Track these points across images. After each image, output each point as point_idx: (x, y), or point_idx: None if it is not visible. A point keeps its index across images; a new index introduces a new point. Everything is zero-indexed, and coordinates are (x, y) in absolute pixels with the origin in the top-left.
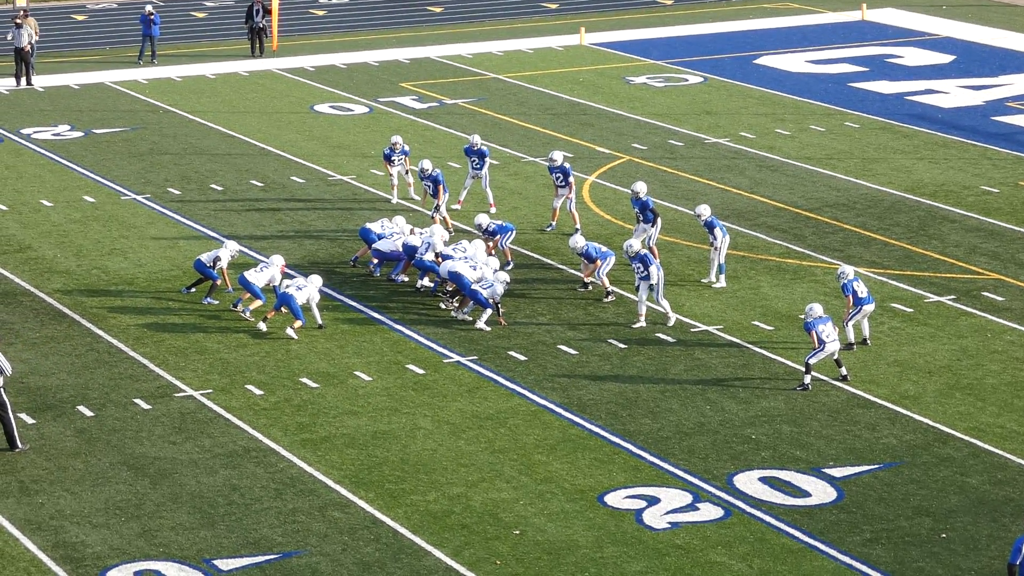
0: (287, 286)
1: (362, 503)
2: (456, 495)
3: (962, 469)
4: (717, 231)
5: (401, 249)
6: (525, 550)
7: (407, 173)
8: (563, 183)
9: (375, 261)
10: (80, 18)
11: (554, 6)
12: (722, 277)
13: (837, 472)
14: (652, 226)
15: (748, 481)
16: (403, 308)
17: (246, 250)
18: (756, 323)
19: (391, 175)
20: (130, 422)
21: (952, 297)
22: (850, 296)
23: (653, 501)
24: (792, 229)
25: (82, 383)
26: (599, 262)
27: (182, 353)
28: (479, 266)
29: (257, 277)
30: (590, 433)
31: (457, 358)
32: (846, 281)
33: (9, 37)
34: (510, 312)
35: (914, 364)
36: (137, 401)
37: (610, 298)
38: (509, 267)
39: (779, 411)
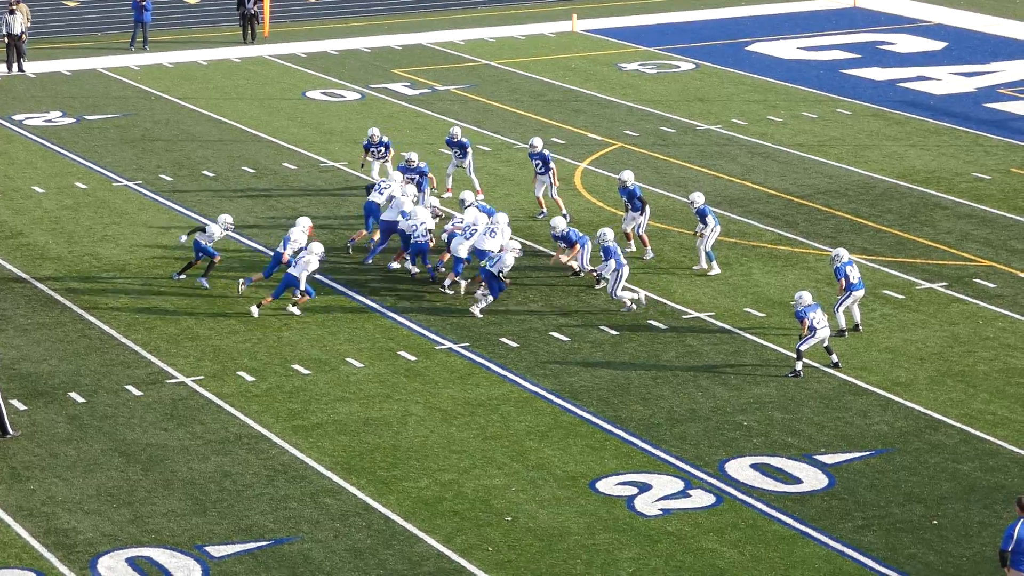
0: (292, 266)
1: (354, 490)
2: (448, 482)
3: (954, 456)
4: (709, 219)
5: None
6: (517, 536)
7: (389, 168)
8: (543, 170)
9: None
10: (72, 4)
11: None
12: (714, 264)
13: (829, 459)
14: (640, 214)
15: (740, 468)
16: (395, 295)
17: (236, 236)
18: (748, 310)
19: (371, 164)
20: (122, 408)
21: (944, 284)
22: (842, 280)
23: (645, 488)
24: (784, 216)
25: (74, 369)
26: (578, 247)
27: (174, 340)
28: (496, 232)
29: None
30: (582, 420)
31: (449, 345)
32: (839, 264)
33: (3, 30)
34: (502, 299)
35: (906, 351)
36: (129, 387)
37: (601, 284)
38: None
39: (771, 398)
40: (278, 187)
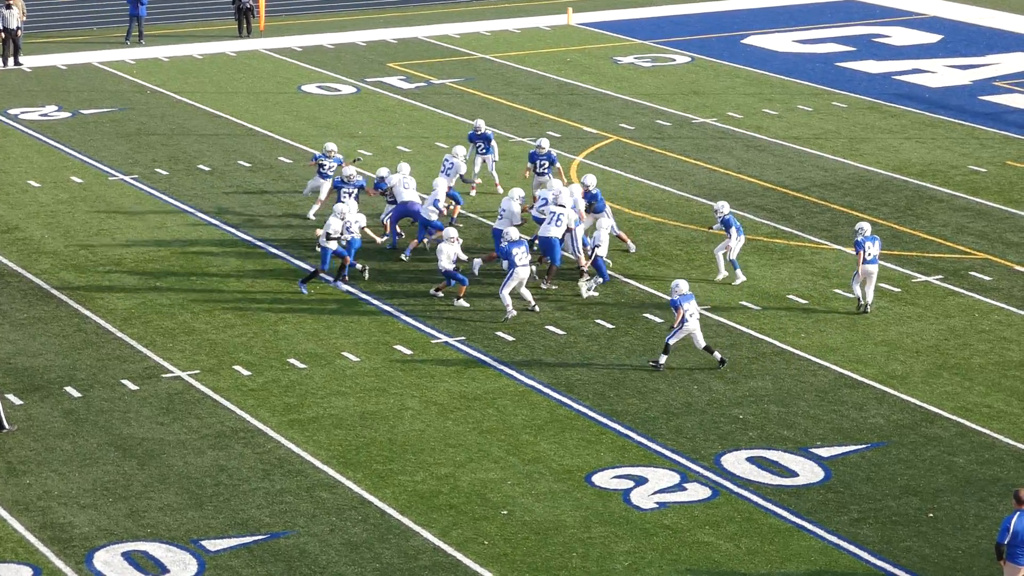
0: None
1: (350, 483)
2: (444, 475)
3: (950, 449)
4: (733, 229)
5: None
6: (513, 530)
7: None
8: (545, 171)
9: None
10: None
11: None
12: (738, 272)
13: (824, 452)
14: (607, 216)
15: (736, 461)
16: (391, 289)
17: (234, 231)
18: (744, 303)
19: (318, 189)
20: (118, 403)
21: (940, 277)
22: (861, 252)
23: (641, 481)
24: (780, 209)
25: (70, 364)
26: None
27: (170, 334)
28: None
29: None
30: (578, 413)
31: (445, 339)
32: (861, 238)
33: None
34: (494, 291)
35: (902, 344)
36: (125, 382)
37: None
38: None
39: (766, 391)
40: (273, 181)
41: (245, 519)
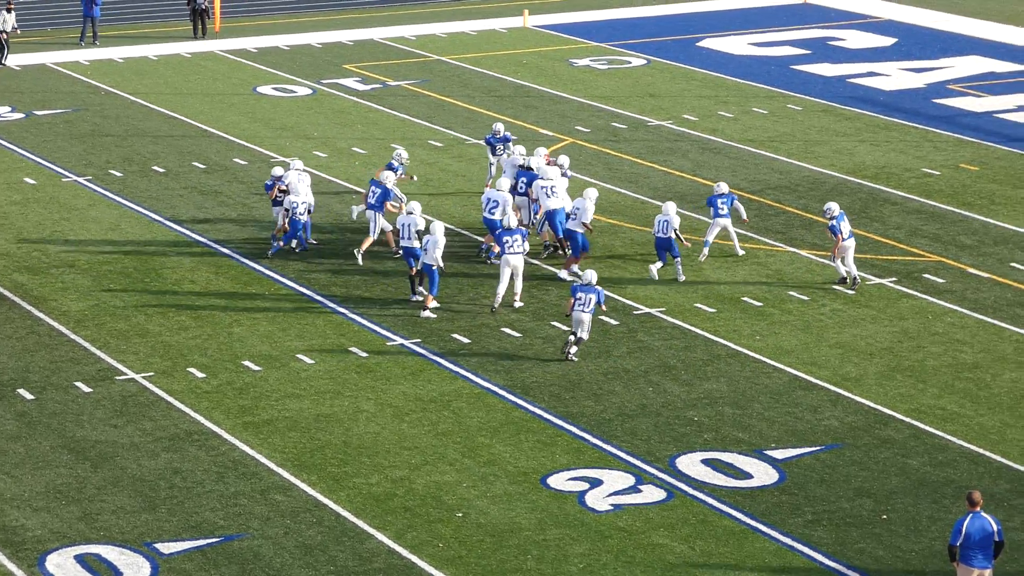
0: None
1: (304, 486)
2: (399, 478)
3: (903, 451)
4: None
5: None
6: (468, 532)
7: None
8: (503, 152)
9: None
10: None
11: None
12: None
13: (779, 454)
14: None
15: (690, 463)
16: (346, 291)
17: (189, 232)
18: (698, 305)
19: (275, 214)
20: (71, 405)
21: (893, 279)
22: (839, 236)
23: (596, 483)
24: (734, 211)
25: (23, 366)
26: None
27: (123, 336)
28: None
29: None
30: (533, 415)
31: (400, 341)
32: (833, 221)
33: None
34: (453, 295)
35: (855, 346)
36: (78, 384)
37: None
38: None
39: (721, 393)
40: (228, 183)
41: (199, 522)
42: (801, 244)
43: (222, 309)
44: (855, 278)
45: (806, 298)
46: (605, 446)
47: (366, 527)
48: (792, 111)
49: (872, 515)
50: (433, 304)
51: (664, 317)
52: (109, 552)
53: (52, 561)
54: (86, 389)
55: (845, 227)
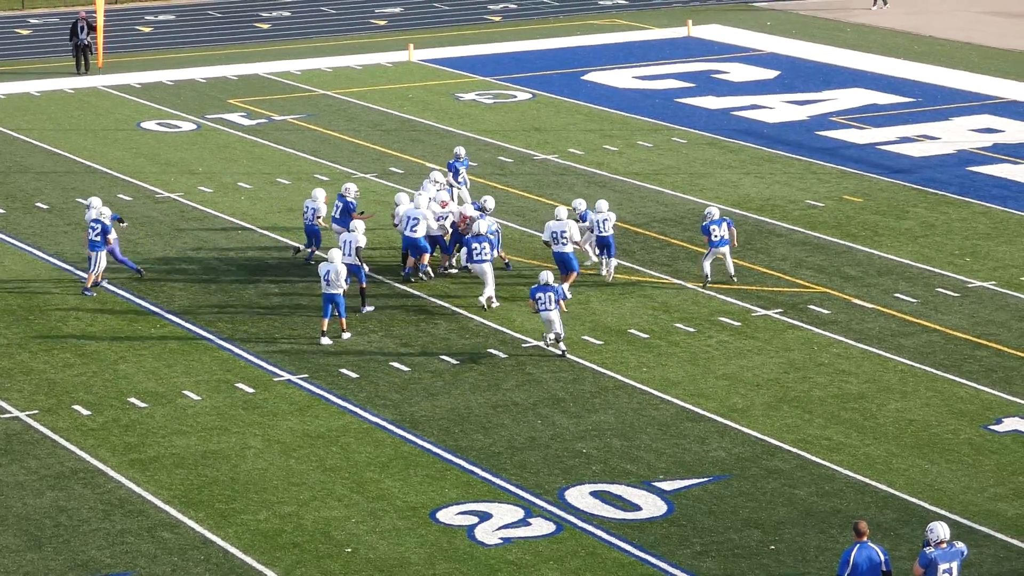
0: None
1: (192, 523)
2: (287, 514)
3: (790, 481)
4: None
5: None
6: (357, 568)
7: None
8: (462, 182)
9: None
10: None
11: (383, 23)
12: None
13: (667, 485)
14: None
15: (579, 495)
16: (232, 326)
17: (73, 269)
18: (586, 337)
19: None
20: None
21: (779, 310)
22: (707, 237)
23: (485, 517)
24: (620, 244)
25: None
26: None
27: (7, 373)
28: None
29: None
30: (422, 450)
31: (287, 376)
32: (707, 221)
33: None
34: (340, 328)
35: (742, 377)
36: None
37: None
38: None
39: (609, 425)
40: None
41: (85, 560)
42: (687, 276)
43: (107, 346)
44: (731, 277)
45: (692, 330)
46: (494, 479)
47: (255, 564)
48: (677, 144)
49: (760, 546)
50: (347, 335)
51: (552, 349)
52: None
53: None
54: None
55: (718, 231)
